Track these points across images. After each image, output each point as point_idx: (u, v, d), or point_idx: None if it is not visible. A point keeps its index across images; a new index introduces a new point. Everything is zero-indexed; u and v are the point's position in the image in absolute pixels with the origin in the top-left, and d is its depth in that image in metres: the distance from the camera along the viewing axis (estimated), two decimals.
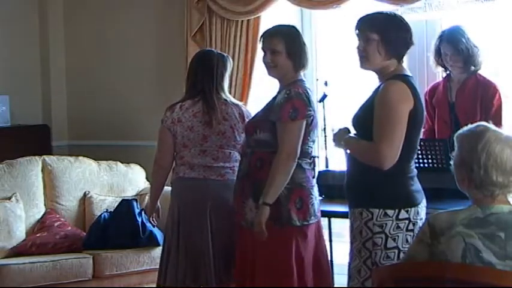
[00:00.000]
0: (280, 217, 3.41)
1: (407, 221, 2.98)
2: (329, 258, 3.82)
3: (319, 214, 3.56)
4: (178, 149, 3.89)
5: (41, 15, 6.08)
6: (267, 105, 3.58)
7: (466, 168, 2.43)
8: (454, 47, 4.20)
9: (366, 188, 3.01)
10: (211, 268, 3.79)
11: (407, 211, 2.98)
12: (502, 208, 2.39)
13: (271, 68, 3.53)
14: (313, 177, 3.54)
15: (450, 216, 2.41)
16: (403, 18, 3.14)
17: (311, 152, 3.53)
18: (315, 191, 3.53)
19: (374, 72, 3.13)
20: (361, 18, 3.12)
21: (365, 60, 3.07)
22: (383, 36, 3.02)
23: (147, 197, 5.20)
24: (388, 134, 2.91)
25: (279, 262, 3.44)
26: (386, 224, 2.97)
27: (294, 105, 3.39)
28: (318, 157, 3.67)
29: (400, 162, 2.97)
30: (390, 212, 2.97)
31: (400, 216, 2.97)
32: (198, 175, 3.85)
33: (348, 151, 3.10)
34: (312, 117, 3.43)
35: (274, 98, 3.53)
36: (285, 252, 3.44)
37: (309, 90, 3.48)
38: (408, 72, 3.10)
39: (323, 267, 3.61)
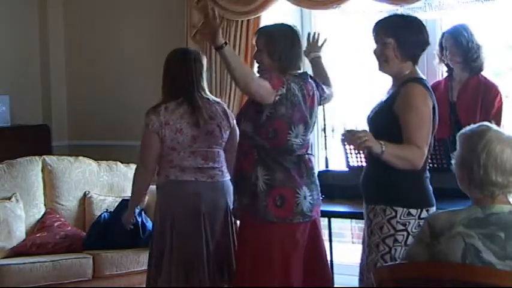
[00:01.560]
0: (257, 212, 3.43)
1: None
2: (328, 258, 3.82)
3: (313, 214, 3.53)
4: (166, 152, 3.81)
5: (41, 15, 6.09)
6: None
7: (466, 168, 2.43)
8: (454, 39, 4.23)
9: (391, 186, 3.08)
10: (205, 270, 3.77)
11: (427, 210, 3.09)
12: (503, 208, 2.39)
13: (258, 66, 3.55)
14: (303, 176, 3.49)
15: (450, 216, 2.41)
16: (417, 20, 3.23)
17: (297, 149, 3.48)
18: (306, 189, 3.49)
19: (389, 76, 3.21)
20: (377, 22, 3.21)
21: (384, 64, 3.17)
22: (398, 39, 3.12)
23: (146, 197, 5.20)
24: (423, 136, 3.03)
25: (259, 256, 3.45)
26: (409, 222, 3.06)
27: (271, 76, 3.41)
28: (312, 155, 3.64)
29: None
30: (414, 211, 3.07)
31: (422, 216, 3.07)
32: (189, 177, 3.81)
33: (381, 156, 3.00)
34: (281, 94, 3.39)
35: None
36: (264, 247, 3.44)
37: (294, 85, 3.44)
38: (422, 75, 3.20)
39: (320, 266, 3.61)
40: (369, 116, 3.26)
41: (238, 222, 3.76)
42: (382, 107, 3.18)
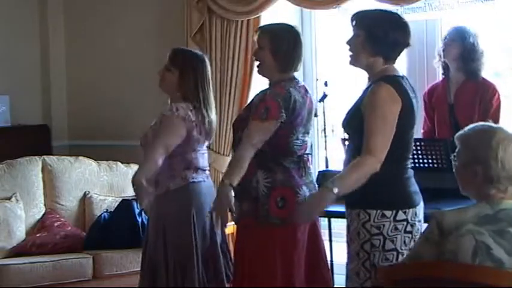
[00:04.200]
0: (259, 216, 3.43)
1: (405, 223, 2.97)
2: (328, 258, 3.82)
3: None
4: (185, 150, 3.77)
5: (41, 15, 6.08)
6: (250, 102, 3.60)
7: (480, 165, 2.42)
8: (459, 33, 4.23)
9: (363, 189, 2.95)
10: (222, 267, 3.85)
11: (404, 212, 2.97)
12: (511, 204, 2.39)
13: (258, 65, 3.53)
14: (302, 176, 3.49)
15: (459, 214, 2.40)
16: (400, 19, 3.10)
17: (297, 150, 3.48)
18: (306, 189, 3.47)
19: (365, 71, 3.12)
20: (355, 13, 3.12)
21: (352, 56, 3.09)
22: (369, 33, 3.01)
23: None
24: (381, 142, 2.90)
25: (262, 260, 3.44)
26: (384, 225, 2.95)
27: (266, 105, 3.37)
28: (311, 154, 3.64)
29: (396, 162, 2.98)
30: (388, 213, 2.95)
31: (398, 218, 2.96)
32: (201, 178, 3.84)
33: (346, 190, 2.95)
34: (283, 119, 3.37)
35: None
36: (267, 250, 3.43)
37: (293, 90, 3.43)
38: (397, 73, 3.07)
39: (320, 266, 3.61)
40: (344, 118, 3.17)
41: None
42: (352, 108, 3.10)
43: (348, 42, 3.08)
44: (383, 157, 2.90)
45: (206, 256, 3.84)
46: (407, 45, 3.08)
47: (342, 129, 3.19)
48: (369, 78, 3.09)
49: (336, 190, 2.88)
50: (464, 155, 2.48)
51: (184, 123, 3.70)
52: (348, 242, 3.10)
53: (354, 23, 3.08)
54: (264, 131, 3.36)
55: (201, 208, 3.81)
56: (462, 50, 4.22)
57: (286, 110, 3.37)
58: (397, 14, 3.19)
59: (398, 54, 3.09)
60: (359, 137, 2.97)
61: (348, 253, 3.10)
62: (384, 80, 2.98)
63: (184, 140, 3.74)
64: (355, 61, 3.09)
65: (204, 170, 3.88)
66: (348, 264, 3.11)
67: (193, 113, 3.76)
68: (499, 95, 4.21)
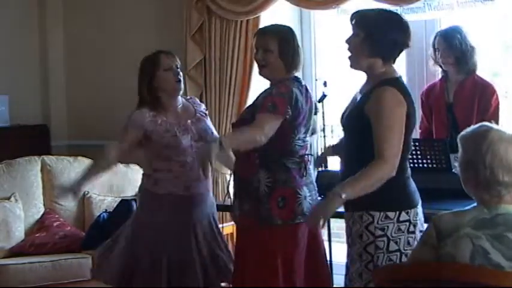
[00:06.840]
0: (260, 216, 3.43)
1: (407, 223, 2.94)
2: (328, 258, 3.81)
3: None
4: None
5: (41, 15, 6.08)
6: (252, 102, 3.60)
7: (472, 170, 2.41)
8: (446, 41, 4.21)
9: None
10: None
11: (407, 213, 2.94)
12: (509, 208, 2.37)
13: (262, 66, 3.52)
14: (303, 176, 3.49)
15: (456, 218, 2.39)
16: (400, 19, 3.05)
17: (298, 150, 3.49)
18: (306, 190, 3.49)
19: (362, 71, 3.09)
20: (355, 12, 3.08)
21: (351, 58, 3.05)
22: (368, 33, 2.97)
23: None
24: (392, 146, 2.86)
25: (263, 261, 3.43)
26: (387, 226, 2.92)
27: (273, 101, 3.37)
28: (312, 155, 3.64)
29: (398, 164, 2.94)
30: (391, 214, 2.92)
31: (401, 218, 2.93)
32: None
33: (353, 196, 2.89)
34: (289, 115, 3.38)
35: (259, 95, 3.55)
36: (269, 251, 3.43)
37: (296, 90, 3.44)
38: (397, 74, 3.04)
39: (319, 267, 3.60)
40: (342, 117, 3.13)
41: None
42: (353, 110, 3.05)
43: (347, 41, 3.04)
44: (397, 163, 2.86)
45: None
46: (406, 46, 3.03)
47: (341, 126, 3.15)
48: (368, 80, 3.06)
49: (343, 195, 2.83)
50: (461, 157, 2.46)
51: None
52: (348, 244, 3.07)
53: (353, 22, 3.04)
54: (273, 122, 3.35)
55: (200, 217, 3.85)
56: (456, 57, 4.22)
57: (290, 106, 3.39)
58: (398, 14, 3.13)
59: (398, 55, 3.05)
60: (360, 138, 2.94)
61: (349, 255, 3.07)
62: (387, 83, 2.94)
63: (169, 147, 3.84)
64: (355, 63, 3.04)
65: None
66: (348, 265, 3.08)
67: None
68: (497, 95, 4.21)
